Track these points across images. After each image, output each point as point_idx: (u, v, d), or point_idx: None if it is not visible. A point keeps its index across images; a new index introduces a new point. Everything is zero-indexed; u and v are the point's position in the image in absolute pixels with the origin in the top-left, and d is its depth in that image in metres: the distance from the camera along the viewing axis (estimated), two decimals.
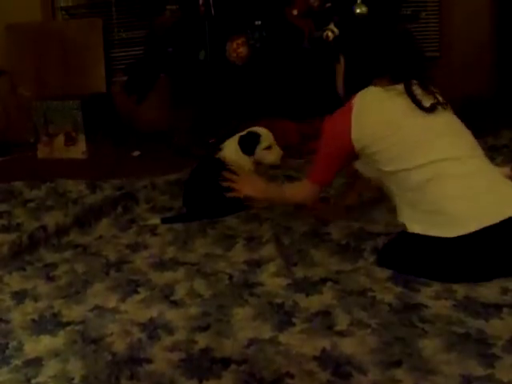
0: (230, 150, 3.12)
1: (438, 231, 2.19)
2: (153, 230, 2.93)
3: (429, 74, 2.58)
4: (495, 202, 2.20)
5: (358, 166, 2.63)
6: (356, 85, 2.45)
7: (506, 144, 4.10)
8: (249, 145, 3.10)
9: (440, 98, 2.39)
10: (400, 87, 2.35)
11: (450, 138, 2.34)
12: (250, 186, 2.71)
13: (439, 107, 2.36)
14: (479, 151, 2.36)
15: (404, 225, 2.33)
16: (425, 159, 2.25)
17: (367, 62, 2.46)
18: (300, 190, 2.64)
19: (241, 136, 3.15)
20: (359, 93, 2.41)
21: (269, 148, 3.10)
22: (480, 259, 2.18)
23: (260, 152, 3.10)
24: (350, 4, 4.20)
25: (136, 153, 4.71)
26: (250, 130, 3.16)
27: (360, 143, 2.37)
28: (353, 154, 2.43)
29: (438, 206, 2.22)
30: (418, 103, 2.32)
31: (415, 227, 2.27)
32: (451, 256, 2.19)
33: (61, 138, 4.82)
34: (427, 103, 2.33)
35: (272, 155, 3.11)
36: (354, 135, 2.37)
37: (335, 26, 4.14)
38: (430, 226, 2.22)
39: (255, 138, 3.10)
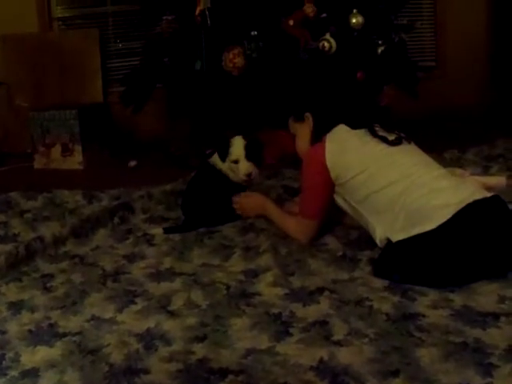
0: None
1: (420, 228, 2.27)
2: (150, 241, 2.93)
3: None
4: (463, 192, 2.33)
5: (337, 198, 2.69)
6: (323, 134, 2.67)
7: (501, 153, 4.11)
8: (222, 152, 3.05)
9: (403, 135, 2.61)
10: (363, 130, 2.61)
11: (416, 157, 2.54)
12: (249, 208, 3.04)
13: (404, 141, 2.58)
14: (444, 170, 2.53)
15: (388, 239, 2.41)
16: (395, 175, 2.44)
17: (335, 114, 2.71)
18: (297, 228, 2.79)
19: (218, 144, 3.13)
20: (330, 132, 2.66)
21: (236, 162, 3.01)
22: (466, 239, 2.24)
23: (229, 164, 3.04)
24: (346, 14, 4.21)
25: (133, 163, 4.71)
26: (231, 138, 3.08)
27: (334, 171, 2.58)
28: (332, 182, 2.62)
29: (415, 207, 2.33)
30: (382, 138, 2.55)
31: (398, 235, 2.35)
32: (440, 245, 2.25)
33: (58, 149, 4.82)
34: (391, 138, 2.56)
35: (238, 170, 3.02)
36: (328, 163, 2.58)
37: (331, 36, 4.15)
38: (411, 228, 2.30)
39: (227, 147, 3.03)
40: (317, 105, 2.77)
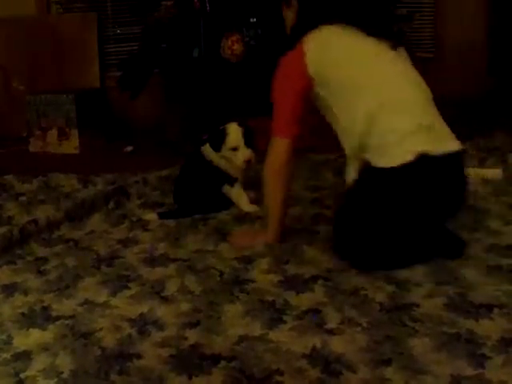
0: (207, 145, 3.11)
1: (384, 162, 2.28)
2: (144, 226, 2.93)
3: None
4: (433, 139, 2.29)
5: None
6: (307, 29, 2.44)
7: (498, 146, 4.10)
8: (216, 142, 3.03)
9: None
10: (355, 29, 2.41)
11: (410, 70, 2.44)
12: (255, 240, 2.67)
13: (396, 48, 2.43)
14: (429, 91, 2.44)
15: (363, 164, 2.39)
16: (376, 95, 2.32)
17: (322, 4, 2.48)
18: (277, 154, 2.50)
19: (211, 132, 3.11)
20: (311, 32, 2.43)
21: (235, 149, 2.99)
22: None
23: (226, 152, 3.01)
24: None
25: (129, 148, 4.71)
26: (225, 125, 3.04)
27: (316, 68, 2.39)
28: (308, 89, 2.43)
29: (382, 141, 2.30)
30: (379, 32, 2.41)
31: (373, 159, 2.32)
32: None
33: (54, 133, 4.81)
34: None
35: (237, 157, 2.99)
36: (309, 60, 2.38)
37: None
38: (378, 158, 2.30)
39: (223, 136, 3.00)
40: None
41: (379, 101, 2.31)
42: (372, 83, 2.35)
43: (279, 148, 2.48)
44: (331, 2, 2.49)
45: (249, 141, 2.99)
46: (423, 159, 2.22)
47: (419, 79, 2.45)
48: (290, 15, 2.58)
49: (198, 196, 3.07)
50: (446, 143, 2.32)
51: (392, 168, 2.24)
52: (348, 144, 2.44)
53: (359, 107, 2.32)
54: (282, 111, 2.46)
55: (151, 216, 3.03)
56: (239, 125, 3.02)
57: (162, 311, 2.09)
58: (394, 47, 2.41)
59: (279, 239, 2.61)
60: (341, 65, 2.39)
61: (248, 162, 2.98)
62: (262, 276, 2.32)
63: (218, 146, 3.02)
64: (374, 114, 2.29)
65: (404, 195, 2.28)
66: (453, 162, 2.34)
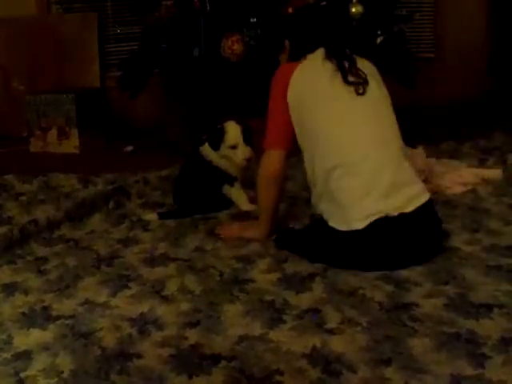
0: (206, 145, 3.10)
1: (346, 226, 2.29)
2: (144, 226, 2.93)
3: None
4: (394, 198, 2.29)
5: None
6: (298, 58, 2.52)
7: (497, 146, 4.11)
8: (215, 141, 3.02)
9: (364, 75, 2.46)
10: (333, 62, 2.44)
11: (370, 125, 2.40)
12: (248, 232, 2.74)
13: (366, 86, 2.42)
14: (396, 141, 2.43)
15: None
16: (335, 153, 2.36)
17: (308, 37, 2.54)
18: (270, 163, 2.55)
19: (209, 131, 3.11)
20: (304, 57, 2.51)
21: (234, 147, 2.99)
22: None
23: (225, 150, 3.01)
24: (346, 3, 4.19)
25: (129, 148, 4.71)
26: (223, 124, 3.04)
27: (292, 98, 2.43)
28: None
29: (339, 200, 2.33)
30: (345, 79, 2.40)
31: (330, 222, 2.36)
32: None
33: (54, 132, 4.80)
34: (355, 79, 2.42)
35: (236, 155, 2.99)
36: (290, 87, 2.44)
37: None
38: (337, 221, 2.33)
39: (221, 135, 3.00)
40: (292, 30, 2.65)
41: (336, 160, 2.33)
42: (333, 139, 2.37)
43: (272, 158, 2.55)
44: (317, 37, 2.54)
45: (248, 139, 2.99)
46: (375, 224, 2.25)
47: (386, 126, 2.45)
48: (284, 57, 2.65)
49: (198, 196, 3.07)
50: (404, 201, 2.30)
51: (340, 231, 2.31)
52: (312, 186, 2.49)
53: (316, 162, 2.40)
54: (274, 124, 2.52)
55: (151, 216, 3.04)
56: (237, 123, 3.02)
57: (162, 311, 2.09)
58: (365, 86, 2.42)
59: (268, 235, 2.67)
60: (311, 113, 2.42)
61: (248, 160, 2.98)
62: (262, 276, 2.33)
63: (216, 145, 3.01)
64: (328, 173, 2.34)
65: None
66: (409, 220, 2.30)
